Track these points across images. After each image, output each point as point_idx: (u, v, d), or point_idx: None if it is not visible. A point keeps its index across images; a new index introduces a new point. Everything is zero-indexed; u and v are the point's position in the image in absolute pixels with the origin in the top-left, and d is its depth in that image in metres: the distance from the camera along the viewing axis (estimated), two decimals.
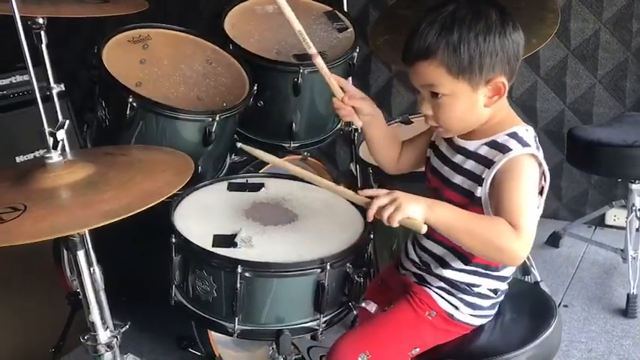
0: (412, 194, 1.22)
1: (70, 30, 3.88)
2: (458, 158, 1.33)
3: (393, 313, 1.42)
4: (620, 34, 2.68)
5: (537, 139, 1.30)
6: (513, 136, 1.26)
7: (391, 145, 1.51)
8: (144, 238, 1.87)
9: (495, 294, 1.41)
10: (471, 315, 1.40)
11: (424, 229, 1.18)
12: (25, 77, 2.72)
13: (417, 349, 1.40)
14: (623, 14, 2.65)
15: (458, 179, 1.33)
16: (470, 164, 1.31)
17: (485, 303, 1.40)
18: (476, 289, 1.38)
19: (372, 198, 1.21)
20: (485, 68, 1.22)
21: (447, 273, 1.38)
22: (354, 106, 1.40)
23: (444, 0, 1.25)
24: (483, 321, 1.43)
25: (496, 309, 1.44)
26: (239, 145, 1.80)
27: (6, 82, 2.66)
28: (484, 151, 1.29)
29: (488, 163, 1.27)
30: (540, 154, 1.27)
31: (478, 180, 1.28)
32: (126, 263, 2.05)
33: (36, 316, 2.12)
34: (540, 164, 1.27)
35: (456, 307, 1.39)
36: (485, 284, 1.38)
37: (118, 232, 1.32)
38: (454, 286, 1.38)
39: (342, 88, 1.41)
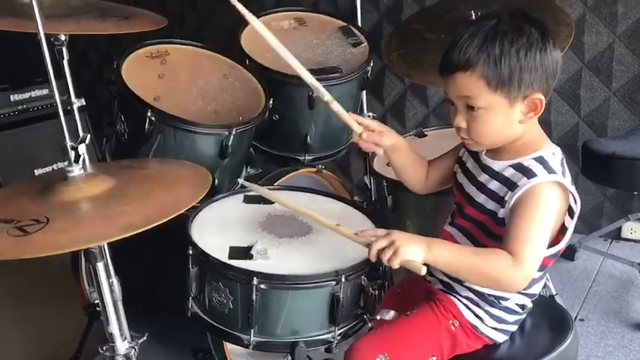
0: (411, 234, 1.25)
1: (88, 46, 3.94)
2: (483, 177, 1.34)
3: (415, 317, 1.42)
4: (634, 46, 2.67)
5: (564, 160, 1.30)
6: (540, 160, 1.26)
7: (417, 167, 1.52)
8: (161, 249, 1.89)
9: (522, 309, 1.40)
10: (495, 328, 1.39)
11: (424, 271, 1.21)
12: (44, 91, 2.77)
13: (434, 358, 1.39)
14: (638, 27, 2.64)
15: (481, 198, 1.33)
16: (494, 185, 1.31)
17: (511, 318, 1.40)
18: (504, 303, 1.37)
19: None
20: (524, 84, 1.23)
21: None
22: (373, 141, 1.43)
23: (485, 14, 1.27)
24: (504, 337, 1.41)
25: (517, 326, 1.43)
26: (240, 181, 1.84)
27: (25, 96, 2.71)
28: (509, 173, 1.29)
29: (512, 185, 1.27)
30: (567, 180, 1.26)
31: (501, 202, 1.28)
32: (143, 274, 2.07)
33: (53, 327, 2.14)
34: (566, 189, 1.26)
35: (481, 319, 1.38)
36: (513, 299, 1.38)
37: (135, 244, 1.34)
38: (482, 298, 1.37)
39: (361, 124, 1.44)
